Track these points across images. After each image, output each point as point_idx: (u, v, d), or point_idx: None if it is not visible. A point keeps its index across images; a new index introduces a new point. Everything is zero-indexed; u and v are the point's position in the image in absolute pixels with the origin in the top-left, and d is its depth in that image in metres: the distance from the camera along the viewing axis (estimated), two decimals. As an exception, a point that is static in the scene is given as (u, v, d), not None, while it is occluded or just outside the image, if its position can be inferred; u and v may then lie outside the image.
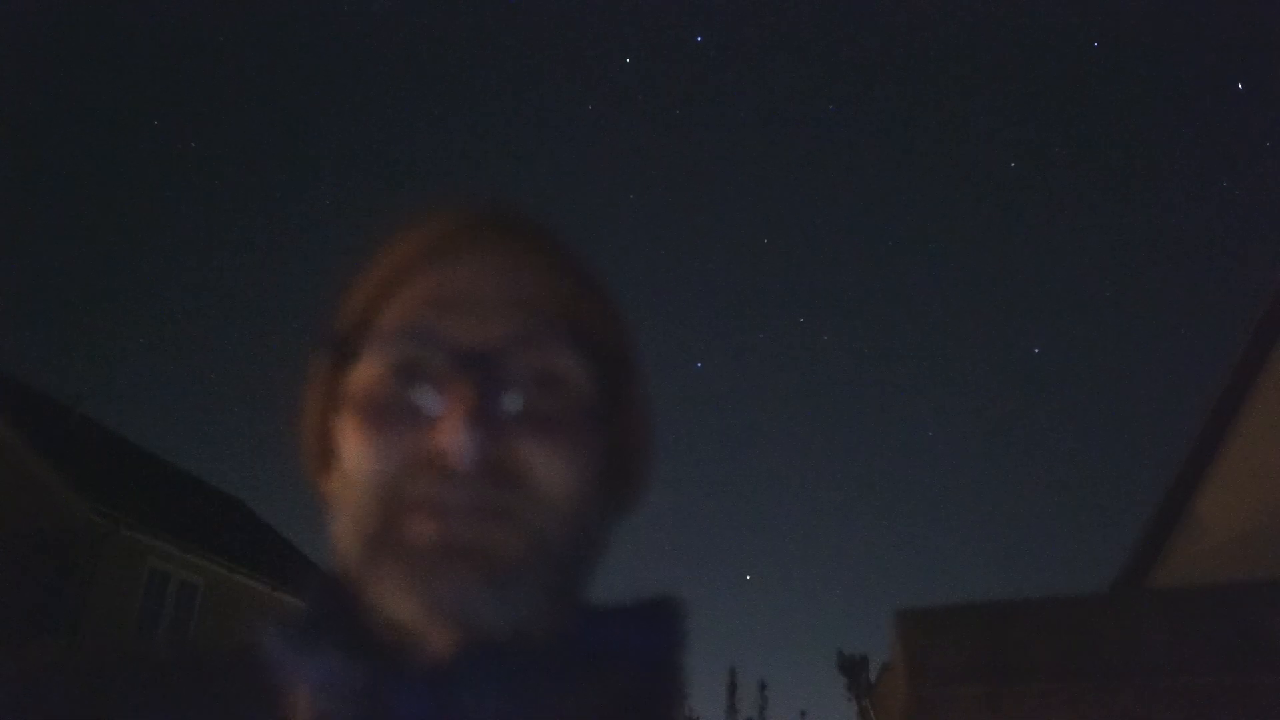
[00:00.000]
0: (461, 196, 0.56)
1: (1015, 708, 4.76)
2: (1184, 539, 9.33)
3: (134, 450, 18.26)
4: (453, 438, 0.44)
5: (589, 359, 0.50)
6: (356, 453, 0.47)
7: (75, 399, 16.98)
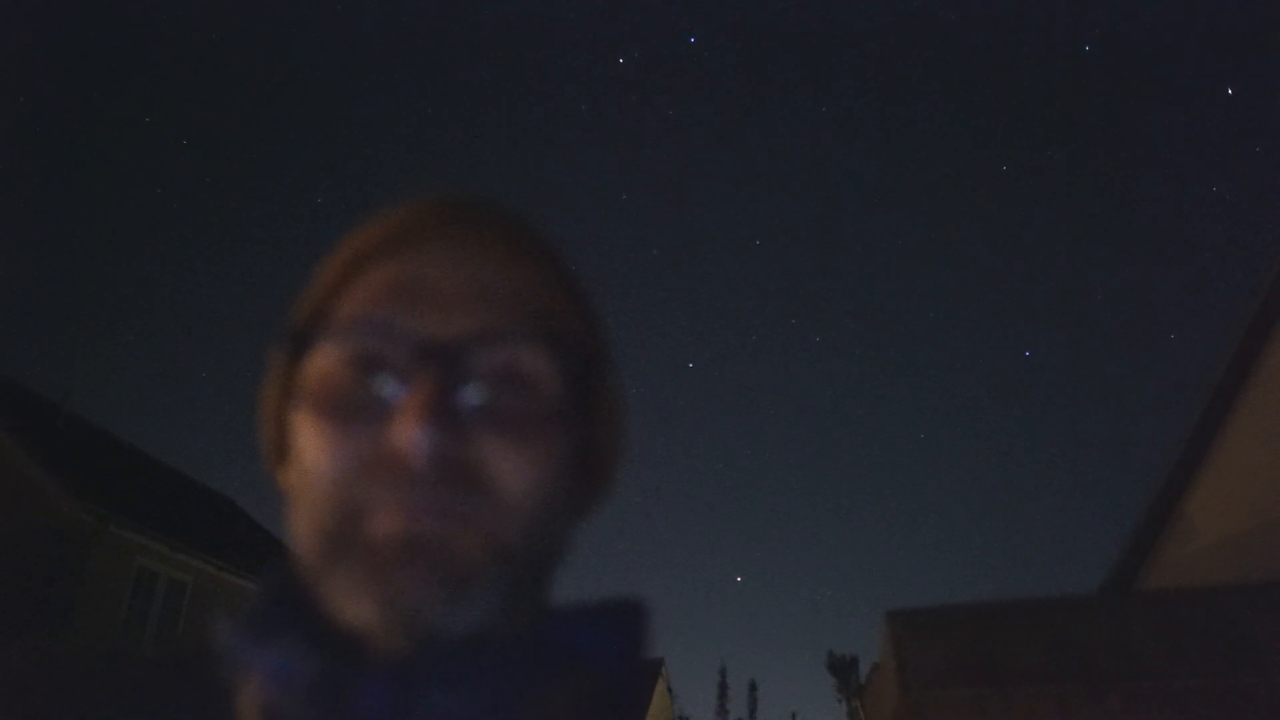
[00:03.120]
0: (431, 187, 0.54)
1: (1003, 710, 4.75)
2: (1174, 540, 9.36)
3: (123, 448, 18.13)
4: (410, 435, 0.42)
5: (557, 356, 0.48)
6: (311, 447, 0.45)
7: (64, 396, 16.87)
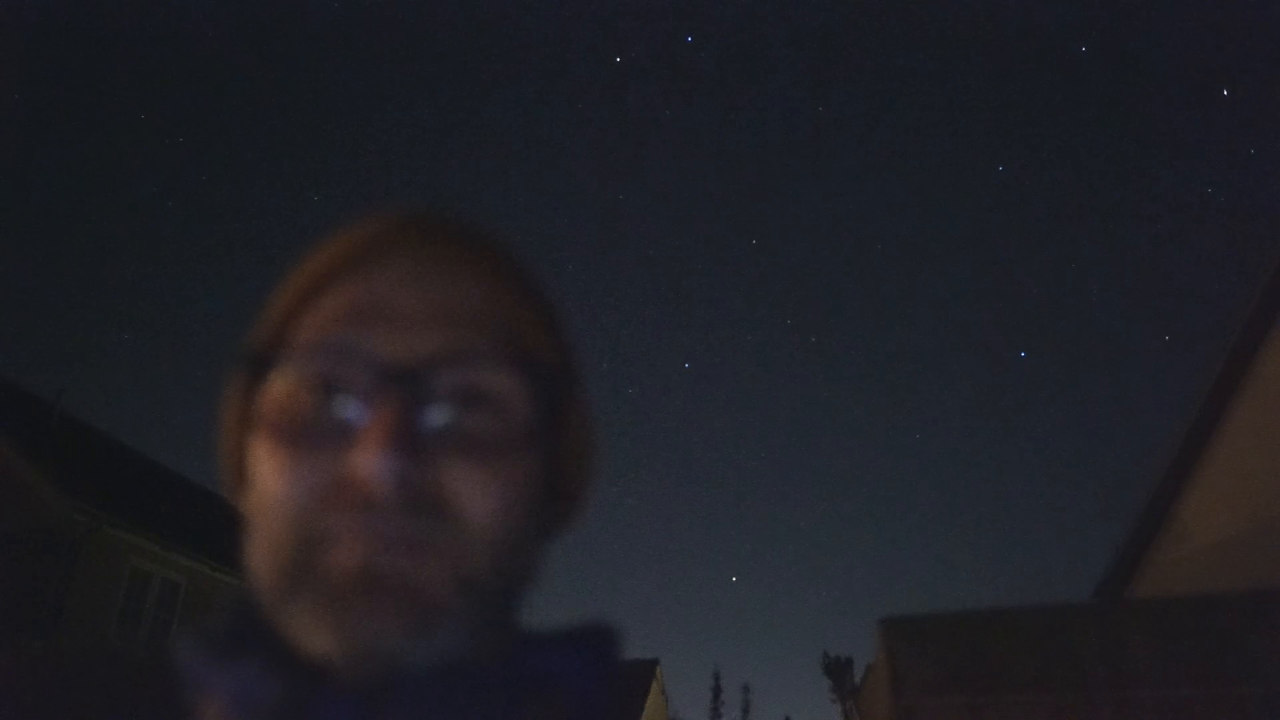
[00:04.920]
0: (394, 201, 0.52)
1: (996, 717, 4.75)
2: (1167, 546, 9.36)
3: (116, 447, 18.10)
4: (371, 462, 0.40)
5: (524, 375, 0.46)
6: (269, 473, 0.43)
7: (58, 395, 16.84)
